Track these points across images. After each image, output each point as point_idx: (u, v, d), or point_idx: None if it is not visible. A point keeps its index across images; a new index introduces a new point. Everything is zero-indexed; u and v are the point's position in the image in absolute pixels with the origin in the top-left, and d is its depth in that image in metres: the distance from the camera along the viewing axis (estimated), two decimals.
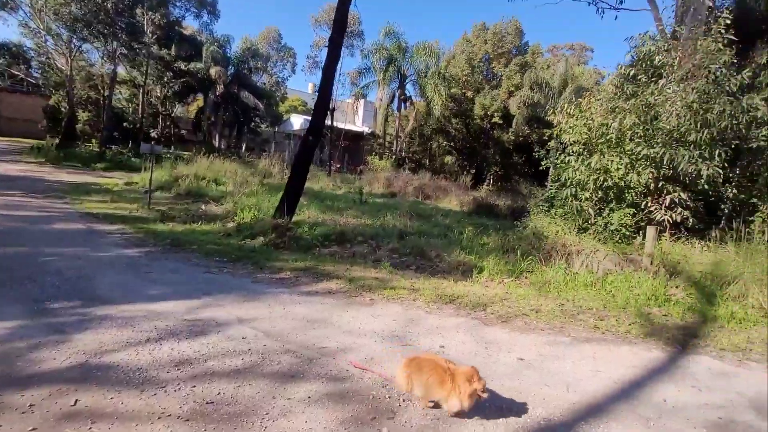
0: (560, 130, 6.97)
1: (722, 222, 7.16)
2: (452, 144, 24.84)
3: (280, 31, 34.86)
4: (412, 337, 3.19)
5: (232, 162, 16.10)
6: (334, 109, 23.96)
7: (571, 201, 6.61)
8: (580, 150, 6.77)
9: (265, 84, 33.41)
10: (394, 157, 21.27)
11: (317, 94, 7.32)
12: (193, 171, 11.97)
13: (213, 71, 23.03)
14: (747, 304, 4.21)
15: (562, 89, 19.55)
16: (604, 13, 9.64)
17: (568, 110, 6.93)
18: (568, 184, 6.77)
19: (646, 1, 9.16)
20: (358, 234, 7.14)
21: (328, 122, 25.81)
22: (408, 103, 24.40)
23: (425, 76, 22.07)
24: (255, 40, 32.16)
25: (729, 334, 3.63)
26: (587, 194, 6.44)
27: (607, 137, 6.46)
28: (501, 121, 23.82)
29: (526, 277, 5.44)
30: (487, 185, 24.85)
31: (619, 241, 6.35)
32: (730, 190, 7.22)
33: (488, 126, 24.23)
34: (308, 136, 6.97)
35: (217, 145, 25.20)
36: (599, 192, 6.79)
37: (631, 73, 6.99)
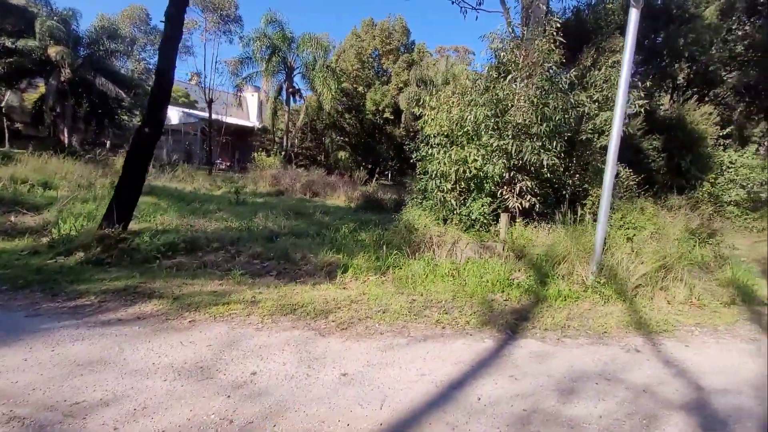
0: (424, 123, 7.04)
1: (565, 206, 8.08)
2: (346, 139, 24.61)
3: (149, 10, 30.59)
4: (222, 365, 2.66)
5: (80, 162, 13.43)
6: (212, 101, 21.81)
7: (436, 192, 6.73)
8: (443, 142, 6.93)
9: (131, 71, 28.99)
10: (283, 153, 20.17)
11: (155, 78, 6.21)
12: (10, 173, 9.52)
13: (52, 51, 18.95)
14: (572, 280, 4.61)
15: (444, 86, 20.65)
16: (466, 12, 10.17)
17: (430, 103, 7.04)
18: (433, 175, 6.89)
19: (500, 3, 9.90)
20: (214, 240, 6.29)
21: (205, 115, 23.50)
22: (297, 97, 23.41)
23: (314, 69, 21.34)
24: (115, 19, 27.67)
25: (554, 313, 3.86)
26: (448, 185, 6.60)
27: (465, 129, 6.71)
28: (392, 116, 24.33)
29: (392, 273, 5.30)
30: (385, 180, 25.27)
31: (480, 229, 6.67)
32: (569, 178, 8.18)
33: (380, 121, 24.55)
34: (143, 129, 5.86)
35: (66, 141, 21.00)
36: (462, 183, 7.06)
37: (486, 70, 7.40)
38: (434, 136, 6.89)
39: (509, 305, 4.08)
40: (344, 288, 4.62)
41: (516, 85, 6.79)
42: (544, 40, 6.74)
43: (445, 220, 6.97)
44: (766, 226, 11.21)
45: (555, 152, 6.70)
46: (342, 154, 22.25)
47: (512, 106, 6.69)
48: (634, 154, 11.00)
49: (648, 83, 13.63)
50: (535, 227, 6.71)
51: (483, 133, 6.75)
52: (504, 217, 6.39)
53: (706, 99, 12.99)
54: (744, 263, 6.42)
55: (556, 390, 2.56)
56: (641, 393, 2.57)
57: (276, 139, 24.93)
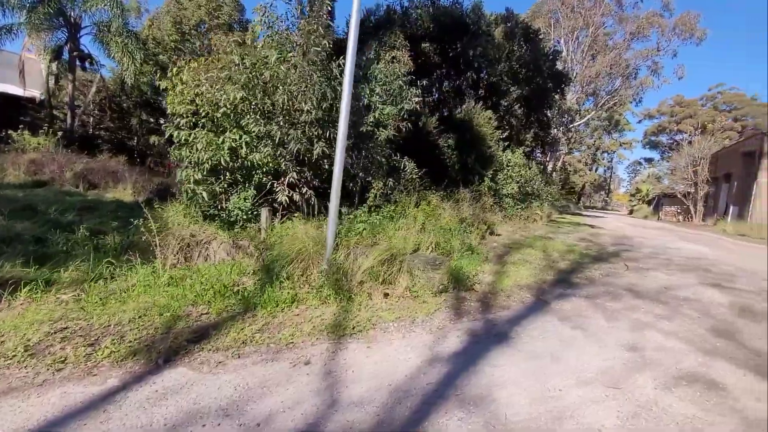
0: (172, 99, 5.83)
1: (356, 200, 7.99)
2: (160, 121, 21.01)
3: None
4: None
5: None
6: None
7: (186, 185, 5.64)
8: (197, 123, 5.88)
9: None
10: (61, 132, 15.78)
11: None
12: None
13: None
14: (303, 281, 4.19)
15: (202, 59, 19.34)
16: None
17: (180, 76, 5.87)
18: (186, 164, 5.78)
19: None
20: None
21: None
22: (89, 64, 18.76)
23: (109, 31, 17.30)
24: None
25: (247, 325, 3.28)
26: (198, 176, 5.59)
27: (223, 111, 5.79)
28: None
29: (92, 288, 4.01)
30: None
31: (243, 226, 5.89)
32: (359, 170, 8.11)
33: None
34: None
35: None
36: (227, 174, 6.16)
37: (259, 47, 6.62)
38: (181, 116, 5.76)
39: (201, 322, 3.34)
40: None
41: (283, 67, 6.18)
42: (311, 20, 6.30)
43: (206, 217, 5.95)
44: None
45: (326, 142, 6.37)
46: (154, 138, 18.78)
47: (279, 89, 6.07)
48: (430, 150, 11.95)
49: (446, 87, 15.24)
50: (306, 223, 6.31)
51: (245, 116, 5.96)
52: (264, 212, 5.74)
53: (494, 106, 15.16)
54: (485, 250, 7.25)
55: None
56: (254, 429, 2.08)
57: (62, 115, 19.58)
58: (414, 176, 8.70)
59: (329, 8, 6.59)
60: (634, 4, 29.34)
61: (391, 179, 7.97)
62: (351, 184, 8.04)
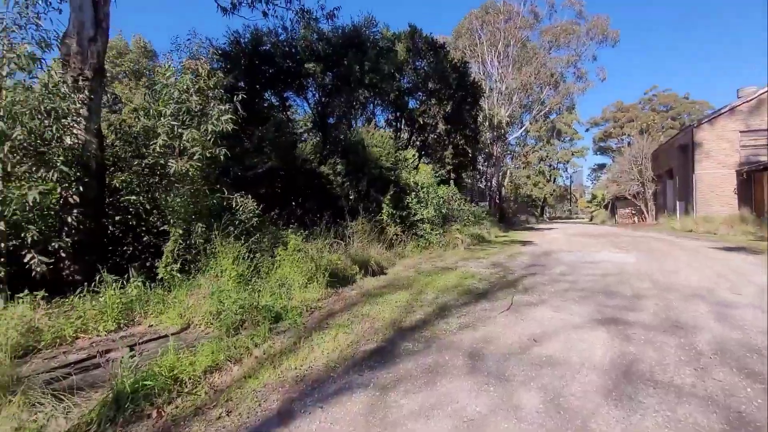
0: None
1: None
2: None
3: None
4: None
5: None
6: None
7: None
8: None
9: None
10: None
11: None
12: None
13: None
14: None
15: None
16: None
17: None
18: None
19: None
20: None
21: None
22: None
23: None
24: None
25: None
26: None
27: None
28: None
29: None
30: None
31: None
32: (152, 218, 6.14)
33: None
34: None
35: None
36: None
37: None
38: None
39: None
40: None
41: None
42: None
43: None
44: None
45: (45, 183, 4.41)
46: None
47: None
48: (309, 179, 10.19)
49: (337, 109, 13.77)
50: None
51: None
52: None
53: (397, 123, 13.76)
54: (306, 312, 5.25)
55: None
56: None
57: None
58: (249, 215, 6.76)
59: None
60: (549, 15, 29.98)
61: (202, 225, 5.97)
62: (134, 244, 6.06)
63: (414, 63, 15.43)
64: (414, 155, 12.69)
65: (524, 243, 14.62)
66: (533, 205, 60.12)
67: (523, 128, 35.44)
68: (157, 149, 5.73)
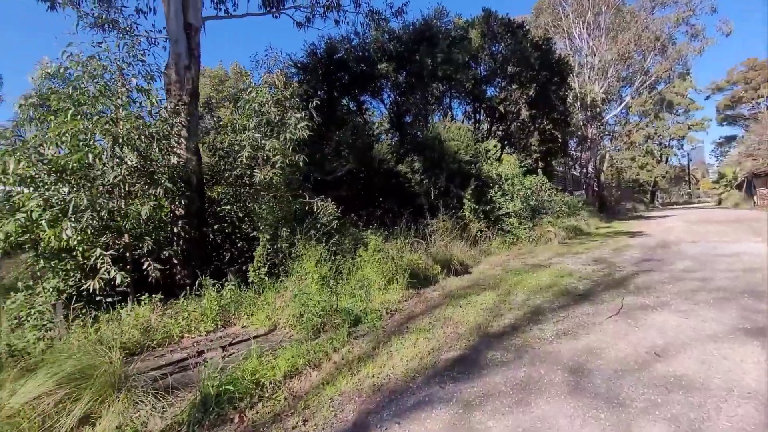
0: None
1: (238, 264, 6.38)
2: None
3: None
4: None
5: None
6: None
7: None
8: None
9: None
10: None
11: None
12: None
13: None
14: None
15: None
16: None
17: None
18: None
19: None
20: None
21: None
22: None
23: None
24: None
25: None
26: None
27: None
28: None
29: None
30: None
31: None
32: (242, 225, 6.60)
33: None
34: None
35: None
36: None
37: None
38: None
39: None
40: None
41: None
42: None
43: None
44: None
45: (156, 199, 4.98)
46: None
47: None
48: (386, 179, 10.12)
49: (413, 107, 13.48)
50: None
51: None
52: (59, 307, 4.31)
53: (475, 114, 13.04)
54: (386, 314, 5.07)
55: None
56: None
57: None
58: (332, 219, 6.88)
59: None
60: None
61: (286, 230, 6.24)
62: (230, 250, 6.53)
63: (490, 48, 14.50)
64: (496, 146, 11.89)
65: (632, 234, 12.73)
66: (641, 191, 52.71)
67: (623, 104, 31.21)
68: (244, 161, 6.13)
